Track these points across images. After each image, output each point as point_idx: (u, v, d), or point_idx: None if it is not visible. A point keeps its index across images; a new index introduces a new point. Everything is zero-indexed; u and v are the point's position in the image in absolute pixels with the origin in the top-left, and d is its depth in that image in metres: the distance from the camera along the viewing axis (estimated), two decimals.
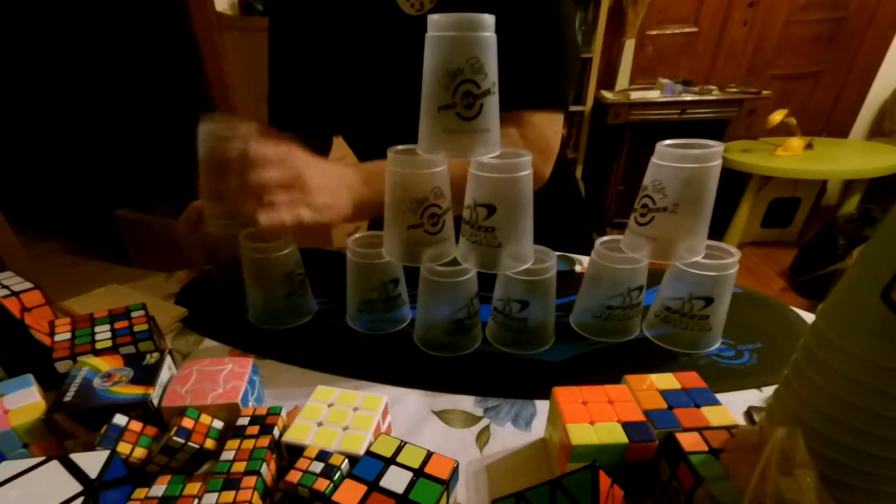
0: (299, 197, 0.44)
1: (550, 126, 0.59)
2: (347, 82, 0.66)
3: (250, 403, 0.40)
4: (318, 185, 0.46)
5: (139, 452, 0.34)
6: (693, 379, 0.38)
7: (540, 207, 0.45)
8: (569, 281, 0.63)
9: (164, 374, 0.40)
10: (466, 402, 0.43)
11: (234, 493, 0.30)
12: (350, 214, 0.50)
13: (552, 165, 0.62)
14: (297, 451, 0.33)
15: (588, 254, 0.70)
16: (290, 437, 0.34)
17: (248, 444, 0.34)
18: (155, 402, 0.37)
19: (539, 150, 0.57)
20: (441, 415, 0.42)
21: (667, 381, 0.37)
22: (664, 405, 0.35)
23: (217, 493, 0.30)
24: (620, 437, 0.32)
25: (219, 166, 0.44)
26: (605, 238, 0.50)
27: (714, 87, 2.31)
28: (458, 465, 0.31)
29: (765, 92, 2.26)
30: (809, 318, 0.54)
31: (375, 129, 0.71)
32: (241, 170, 0.43)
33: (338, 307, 0.57)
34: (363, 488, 0.29)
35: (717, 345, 0.49)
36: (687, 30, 2.45)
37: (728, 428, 0.31)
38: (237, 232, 0.50)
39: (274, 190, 0.43)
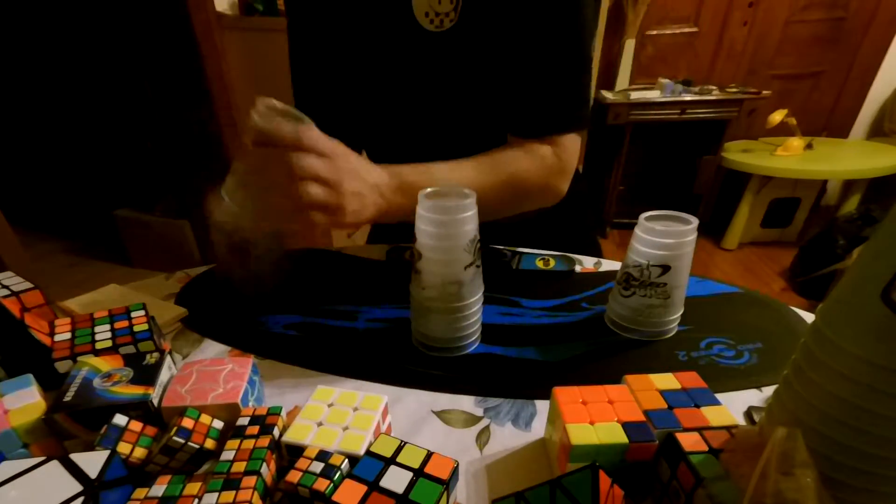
0: (332, 198, 0.44)
1: (576, 146, 0.61)
2: (363, 91, 0.66)
3: (250, 403, 0.40)
4: (352, 191, 0.45)
5: (139, 452, 0.34)
6: (693, 379, 0.38)
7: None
8: (569, 281, 0.63)
9: (164, 374, 0.40)
10: (466, 402, 0.43)
11: (234, 493, 0.30)
12: (371, 220, 0.49)
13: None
14: (297, 451, 0.33)
15: (590, 252, 0.71)
16: (290, 437, 0.34)
17: (248, 444, 0.34)
18: (155, 402, 0.37)
19: (567, 171, 0.61)
20: (441, 415, 0.42)
21: (667, 381, 0.37)
22: (664, 405, 0.35)
23: (217, 493, 0.30)
24: (620, 437, 0.32)
25: (270, 144, 0.42)
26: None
27: (714, 87, 2.31)
28: (458, 465, 0.31)
29: (765, 92, 2.26)
30: (809, 318, 0.54)
31: (390, 140, 0.71)
32: (290, 151, 0.41)
33: (338, 307, 0.57)
34: (363, 488, 0.29)
35: None
36: (687, 30, 2.45)
37: (728, 428, 0.31)
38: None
39: (312, 183, 0.42)
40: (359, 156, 0.48)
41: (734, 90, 2.27)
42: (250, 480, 0.31)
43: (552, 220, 0.71)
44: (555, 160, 0.60)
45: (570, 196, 0.68)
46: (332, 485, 0.30)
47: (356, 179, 0.46)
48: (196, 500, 0.31)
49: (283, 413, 0.37)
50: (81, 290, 0.61)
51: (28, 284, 0.48)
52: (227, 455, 0.33)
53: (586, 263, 0.67)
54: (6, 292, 0.46)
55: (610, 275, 0.63)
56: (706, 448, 0.29)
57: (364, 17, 0.60)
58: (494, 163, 0.58)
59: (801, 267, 2.05)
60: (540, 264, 0.65)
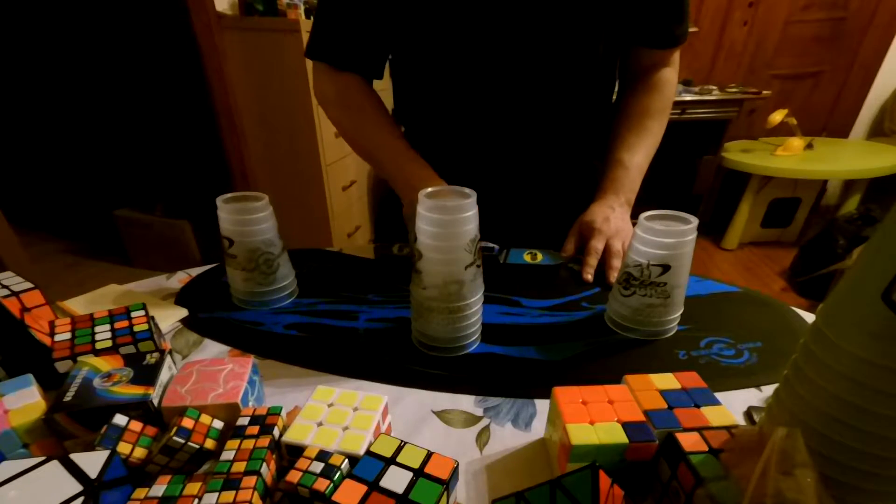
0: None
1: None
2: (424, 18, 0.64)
3: (250, 403, 0.40)
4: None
5: (139, 452, 0.34)
6: (693, 379, 0.38)
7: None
8: (569, 281, 0.63)
9: (164, 374, 0.40)
10: (466, 402, 0.43)
11: (234, 493, 0.30)
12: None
13: None
14: (297, 451, 0.33)
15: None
16: (290, 437, 0.34)
17: (248, 444, 0.34)
18: (155, 402, 0.37)
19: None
20: (441, 415, 0.42)
21: (667, 381, 0.37)
22: (664, 405, 0.35)
23: (217, 493, 0.30)
24: (620, 437, 0.32)
25: None
26: None
27: (714, 87, 2.31)
28: (458, 465, 0.31)
29: (765, 92, 2.26)
30: (809, 318, 0.54)
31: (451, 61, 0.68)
32: None
33: (338, 307, 0.58)
34: (363, 488, 0.29)
35: None
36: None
37: (728, 428, 0.31)
38: None
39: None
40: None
41: (734, 90, 2.27)
42: (250, 480, 0.31)
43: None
44: (674, 74, 0.75)
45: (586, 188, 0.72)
46: (332, 485, 0.30)
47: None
48: (196, 500, 0.31)
49: (283, 413, 0.37)
50: (81, 290, 0.61)
51: (28, 284, 0.48)
52: (227, 455, 0.33)
53: None
54: (6, 292, 0.46)
55: None
56: (706, 448, 0.29)
57: None
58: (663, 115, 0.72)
59: (801, 267, 2.05)
60: (527, 258, 0.65)
